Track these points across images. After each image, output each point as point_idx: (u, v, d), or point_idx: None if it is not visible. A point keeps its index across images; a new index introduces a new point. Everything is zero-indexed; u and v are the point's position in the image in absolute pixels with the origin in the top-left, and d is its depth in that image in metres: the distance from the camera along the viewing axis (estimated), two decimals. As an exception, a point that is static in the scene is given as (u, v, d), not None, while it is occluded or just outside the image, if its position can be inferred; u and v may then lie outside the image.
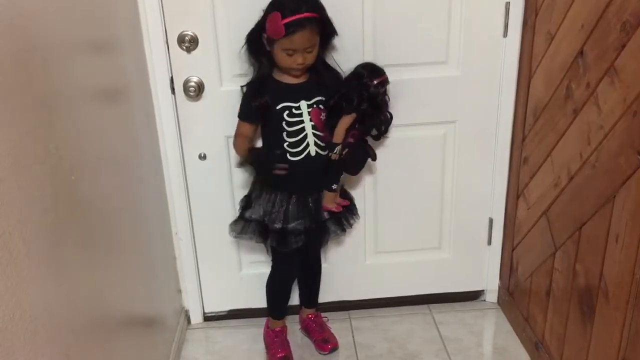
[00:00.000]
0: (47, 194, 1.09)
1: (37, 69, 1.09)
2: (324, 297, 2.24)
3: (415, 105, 2.01)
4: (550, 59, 1.77)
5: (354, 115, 1.77)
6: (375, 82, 1.78)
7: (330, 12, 1.80)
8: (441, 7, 1.90)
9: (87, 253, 1.28)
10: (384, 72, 1.82)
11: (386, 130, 1.89)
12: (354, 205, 1.99)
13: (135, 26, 1.82)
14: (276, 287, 2.08)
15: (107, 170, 1.47)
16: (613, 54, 1.42)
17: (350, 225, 1.98)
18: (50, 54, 1.16)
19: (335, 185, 1.84)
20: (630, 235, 1.40)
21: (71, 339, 1.16)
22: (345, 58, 1.88)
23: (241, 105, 1.84)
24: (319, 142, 1.79)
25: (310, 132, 1.78)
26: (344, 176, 1.91)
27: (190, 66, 1.89)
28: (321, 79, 1.80)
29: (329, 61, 1.85)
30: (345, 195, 1.97)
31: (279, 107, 1.76)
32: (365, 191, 2.12)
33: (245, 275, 2.21)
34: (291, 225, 1.83)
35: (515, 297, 2.16)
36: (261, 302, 2.12)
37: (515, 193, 2.09)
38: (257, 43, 1.74)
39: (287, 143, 1.77)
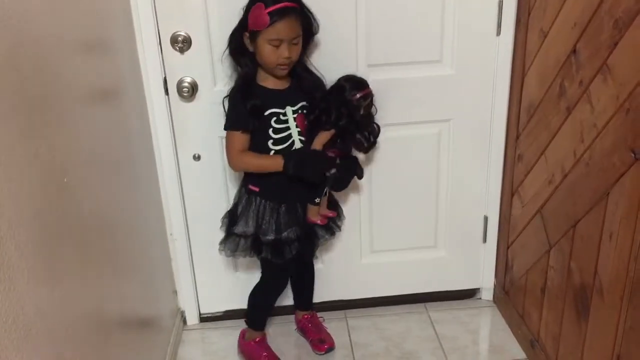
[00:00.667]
0: (39, 196, 1.08)
1: (29, 70, 1.09)
2: (320, 296, 2.24)
3: (409, 104, 2.01)
4: (543, 57, 1.77)
5: (332, 131, 1.74)
6: (358, 95, 1.75)
7: (324, 11, 1.80)
8: (434, 6, 1.90)
9: (81, 255, 1.27)
10: (367, 85, 1.79)
11: (374, 143, 1.85)
12: (340, 208, 1.97)
13: (128, 27, 1.81)
14: (265, 299, 2.04)
15: (100, 172, 1.46)
16: (606, 52, 1.43)
17: (339, 228, 1.96)
18: (42, 55, 1.15)
19: (318, 199, 1.81)
20: (624, 233, 1.40)
21: (65, 342, 1.15)
22: (338, 57, 1.88)
23: (229, 115, 1.75)
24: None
25: (297, 139, 1.76)
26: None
27: (183, 67, 1.89)
28: (303, 83, 1.78)
29: (316, 63, 1.83)
30: (334, 206, 1.93)
31: (267, 113, 1.72)
32: (360, 190, 2.12)
33: (240, 276, 2.21)
34: (284, 234, 1.80)
35: (511, 295, 2.17)
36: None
37: (509, 191, 2.09)
38: (240, 44, 1.71)
39: (273, 151, 1.74)
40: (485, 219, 2.22)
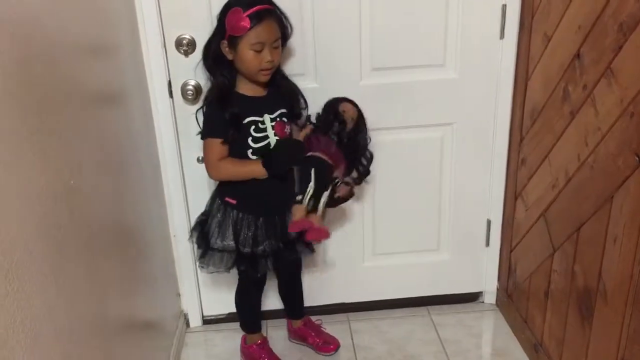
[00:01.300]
0: (47, 198, 1.09)
1: (40, 73, 1.09)
2: (322, 299, 2.24)
3: (413, 108, 2.02)
4: (547, 60, 1.78)
5: (311, 126, 1.74)
6: (346, 105, 1.74)
7: (328, 16, 1.81)
8: (438, 10, 1.91)
9: (86, 256, 1.27)
10: (355, 105, 1.76)
11: (367, 172, 1.78)
12: None
13: (133, 30, 1.82)
14: (247, 300, 2.02)
15: (105, 174, 1.47)
16: (610, 56, 1.43)
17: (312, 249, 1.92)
18: (52, 59, 1.16)
19: (299, 196, 1.64)
20: (628, 237, 1.40)
21: (71, 344, 1.16)
22: (343, 60, 1.89)
23: (206, 123, 1.71)
24: None
25: None
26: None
27: (188, 70, 1.89)
28: (281, 89, 1.76)
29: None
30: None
31: (246, 121, 1.68)
32: (363, 193, 2.12)
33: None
34: (260, 248, 1.77)
35: (514, 299, 2.17)
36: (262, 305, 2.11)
37: (513, 194, 2.09)
38: (217, 54, 1.67)
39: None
40: (488, 222, 2.22)
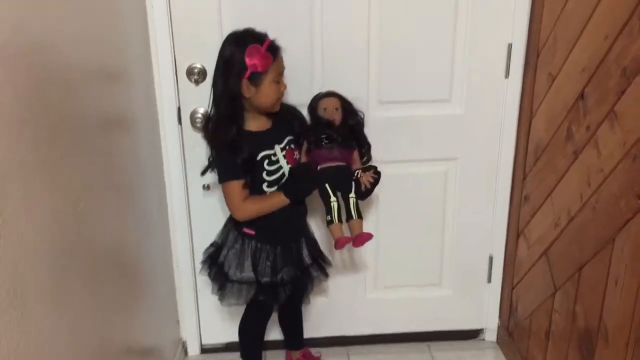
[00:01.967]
0: (55, 224, 1.10)
1: (53, 101, 1.11)
2: (322, 331, 2.23)
3: (418, 142, 2.04)
4: (551, 100, 1.80)
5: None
6: (321, 105, 1.78)
7: (336, 50, 1.84)
8: (445, 47, 1.94)
9: (89, 282, 1.28)
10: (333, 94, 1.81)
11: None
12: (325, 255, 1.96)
13: (146, 58, 1.85)
14: (254, 329, 2.01)
15: (112, 199, 1.48)
16: (613, 99, 1.45)
17: (327, 274, 1.93)
18: (66, 86, 1.18)
19: (329, 216, 1.69)
20: (629, 279, 1.40)
21: (71, 369, 1.15)
22: (351, 94, 1.91)
23: (224, 166, 1.71)
24: None
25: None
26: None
27: (197, 98, 1.92)
28: (285, 117, 1.76)
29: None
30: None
31: (259, 157, 1.69)
32: (366, 225, 2.12)
33: (243, 309, 2.20)
34: (279, 276, 1.78)
35: (515, 337, 2.15)
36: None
37: (515, 231, 2.10)
38: (233, 95, 1.62)
39: (267, 193, 1.73)
40: (491, 258, 2.22)
